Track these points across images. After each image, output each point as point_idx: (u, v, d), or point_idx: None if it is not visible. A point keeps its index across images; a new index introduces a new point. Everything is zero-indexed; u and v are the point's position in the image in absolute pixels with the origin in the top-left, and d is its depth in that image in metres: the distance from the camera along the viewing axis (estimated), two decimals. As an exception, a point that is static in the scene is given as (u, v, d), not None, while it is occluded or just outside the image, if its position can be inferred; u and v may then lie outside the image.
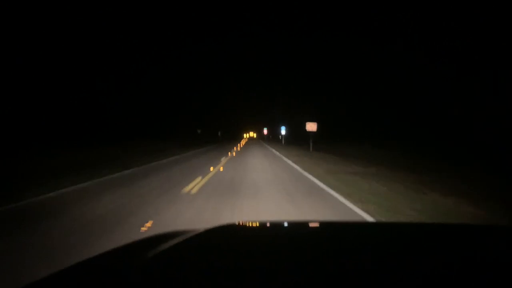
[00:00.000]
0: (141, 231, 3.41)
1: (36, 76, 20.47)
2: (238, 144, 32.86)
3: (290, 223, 1.29)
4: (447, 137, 19.08)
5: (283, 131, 36.86)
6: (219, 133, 51.72)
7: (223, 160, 12.93)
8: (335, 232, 1.09)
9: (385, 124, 26.95)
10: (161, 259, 0.77)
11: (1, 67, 17.42)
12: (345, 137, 28.66)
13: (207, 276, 0.65)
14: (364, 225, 1.61)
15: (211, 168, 9.58)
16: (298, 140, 37.43)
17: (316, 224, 1.33)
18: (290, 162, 12.37)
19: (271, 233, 1.11)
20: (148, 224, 3.61)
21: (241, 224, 1.20)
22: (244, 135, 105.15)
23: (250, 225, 1.22)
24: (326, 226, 1.27)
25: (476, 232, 1.03)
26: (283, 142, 36.79)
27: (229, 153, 17.57)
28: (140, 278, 0.65)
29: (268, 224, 1.28)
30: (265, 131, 69.71)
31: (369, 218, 4.13)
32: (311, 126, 19.77)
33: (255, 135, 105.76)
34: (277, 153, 18.45)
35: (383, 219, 4.11)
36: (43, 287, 0.65)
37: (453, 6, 20.38)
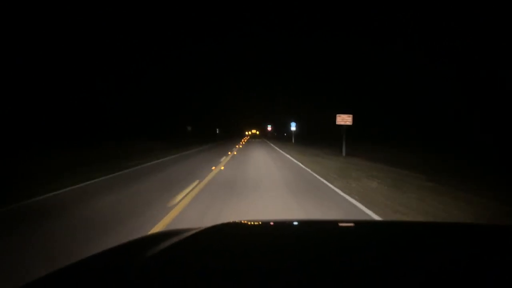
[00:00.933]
0: None
1: (36, 76, 20.47)
2: (237, 146, 24.52)
3: (290, 222, 1.28)
4: (448, 137, 19.01)
5: (293, 127, 29.60)
6: (217, 131, 45.50)
7: (192, 188, 5.89)
8: (337, 231, 1.08)
9: (385, 124, 26.94)
10: (159, 258, 0.77)
11: (1, 67, 17.42)
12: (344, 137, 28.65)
13: (206, 276, 0.64)
14: (366, 223, 1.60)
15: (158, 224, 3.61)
16: (307, 138, 32.72)
17: (317, 223, 1.32)
18: (360, 205, 4.80)
19: (270, 232, 1.10)
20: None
21: (240, 222, 1.19)
22: (246, 132, 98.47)
23: (250, 224, 1.21)
24: (327, 224, 1.26)
25: (480, 232, 1.02)
26: (293, 141, 29.54)
27: (214, 167, 9.41)
28: (139, 277, 0.65)
29: (267, 223, 1.27)
30: (269, 128, 62.29)
31: None
32: (344, 119, 13.64)
33: (258, 133, 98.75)
34: (300, 164, 10.61)
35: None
36: (42, 286, 0.65)
37: (453, 6, 20.38)
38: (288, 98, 56.84)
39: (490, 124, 17.02)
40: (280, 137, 52.84)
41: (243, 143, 31.85)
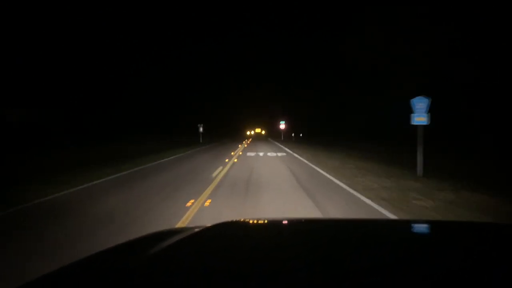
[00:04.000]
0: None
1: (36, 76, 20.47)
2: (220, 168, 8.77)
3: (292, 221, 1.27)
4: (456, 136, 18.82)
5: (422, 116, 7.33)
6: (200, 129, 27.70)
7: None
8: (341, 230, 1.07)
9: (387, 123, 26.91)
10: (161, 257, 0.77)
11: (1, 67, 17.43)
12: (342, 136, 28.61)
13: (208, 276, 0.64)
14: (370, 222, 1.60)
15: None
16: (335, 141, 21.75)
17: (319, 221, 1.31)
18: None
19: (272, 231, 1.09)
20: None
21: (242, 221, 1.19)
22: (247, 132, 79.03)
23: (252, 222, 1.20)
24: (330, 223, 1.25)
25: (488, 230, 1.02)
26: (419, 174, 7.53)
27: None
28: (140, 276, 0.65)
29: (269, 222, 1.26)
30: (282, 125, 39.48)
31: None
32: None
33: (263, 132, 78.68)
34: None
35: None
36: (43, 285, 0.64)
37: (452, 6, 20.40)
38: (288, 97, 55.93)
39: (490, 123, 17.02)
40: (295, 136, 35.78)
41: (241, 150, 16.67)
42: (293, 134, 38.44)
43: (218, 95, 75.81)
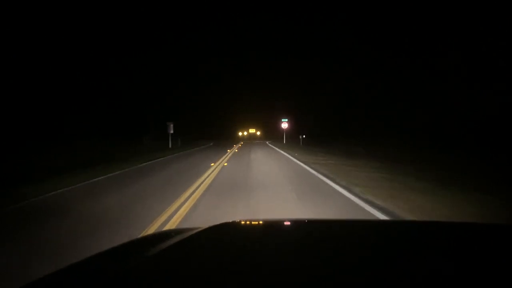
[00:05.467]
0: None
1: (36, 76, 20.42)
2: None
3: (291, 222, 1.26)
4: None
5: None
6: (171, 130, 22.05)
7: None
8: (339, 230, 1.07)
9: (391, 123, 26.79)
10: (162, 258, 0.77)
11: (0, 67, 17.38)
12: (341, 135, 28.46)
13: (208, 276, 0.64)
14: (368, 223, 1.59)
15: None
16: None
17: (318, 222, 1.31)
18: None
19: (271, 231, 1.09)
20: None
21: (241, 222, 1.18)
22: (239, 133, 70.27)
23: (252, 223, 1.20)
24: (329, 224, 1.24)
25: (483, 231, 1.02)
26: None
27: None
28: (141, 277, 0.65)
29: (268, 223, 1.26)
30: (285, 124, 31.97)
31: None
32: None
33: (258, 133, 69.78)
34: None
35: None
36: (43, 285, 0.64)
37: (449, 8, 20.47)
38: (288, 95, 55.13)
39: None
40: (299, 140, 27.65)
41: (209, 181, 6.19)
42: (300, 137, 28.11)
43: (213, 95, 73.79)
